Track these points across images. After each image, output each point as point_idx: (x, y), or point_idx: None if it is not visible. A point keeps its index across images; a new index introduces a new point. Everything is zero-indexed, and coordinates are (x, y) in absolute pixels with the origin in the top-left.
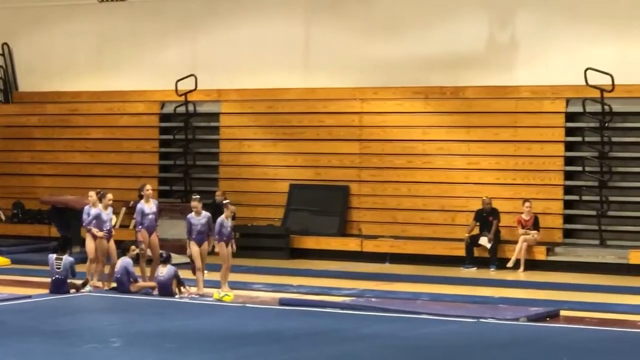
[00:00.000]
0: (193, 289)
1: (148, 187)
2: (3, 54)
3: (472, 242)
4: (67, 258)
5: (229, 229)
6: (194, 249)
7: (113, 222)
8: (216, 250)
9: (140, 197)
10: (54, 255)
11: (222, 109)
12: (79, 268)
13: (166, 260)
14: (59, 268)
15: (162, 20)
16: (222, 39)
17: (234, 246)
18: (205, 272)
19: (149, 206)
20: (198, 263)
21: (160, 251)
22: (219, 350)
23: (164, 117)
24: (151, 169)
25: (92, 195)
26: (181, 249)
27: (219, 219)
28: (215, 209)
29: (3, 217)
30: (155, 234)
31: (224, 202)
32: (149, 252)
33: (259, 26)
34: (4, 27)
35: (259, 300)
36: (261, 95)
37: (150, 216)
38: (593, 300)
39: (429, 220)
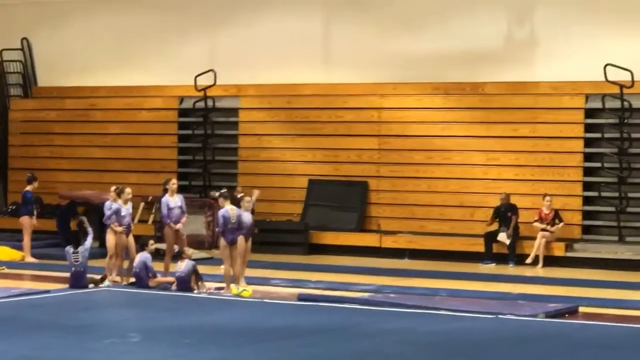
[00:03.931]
0: (211, 284)
1: (174, 181)
2: (22, 49)
3: (491, 238)
4: (82, 248)
5: (248, 223)
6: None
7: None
8: None
9: (165, 191)
10: (71, 249)
11: (241, 104)
12: (99, 263)
13: (181, 255)
14: (77, 261)
15: (181, 15)
16: (242, 34)
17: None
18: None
19: (174, 200)
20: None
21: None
22: (237, 346)
23: (182, 112)
24: (170, 164)
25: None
26: (199, 244)
27: (237, 212)
28: (236, 205)
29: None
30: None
31: (239, 195)
32: (176, 248)
33: (278, 21)
34: (24, 22)
35: (277, 296)
36: (280, 90)
37: (175, 210)
38: (612, 297)
39: (447, 216)
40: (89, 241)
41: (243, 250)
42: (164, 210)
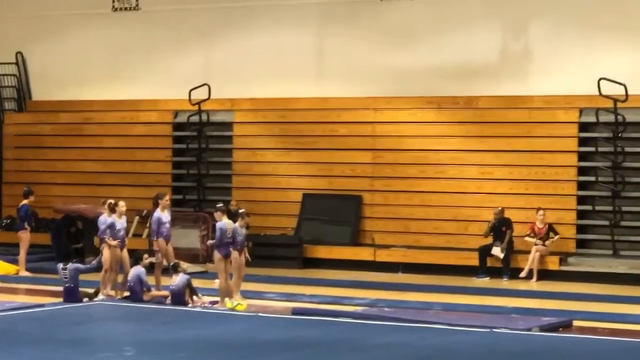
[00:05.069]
0: (206, 299)
1: (167, 197)
2: (17, 63)
3: (485, 251)
4: (71, 266)
5: (242, 237)
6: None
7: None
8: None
9: (155, 205)
10: (61, 265)
11: (236, 118)
12: (94, 277)
13: (175, 269)
14: (66, 277)
15: (175, 29)
16: (236, 48)
17: (247, 255)
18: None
19: (165, 215)
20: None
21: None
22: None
23: (177, 126)
24: (164, 178)
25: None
26: (194, 258)
27: (232, 226)
28: (230, 218)
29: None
30: (170, 243)
31: (240, 211)
32: (165, 262)
33: (273, 36)
34: (18, 36)
35: (271, 310)
36: (274, 104)
37: (167, 225)
38: (606, 311)
39: (441, 230)
40: (85, 267)
41: (238, 265)
42: (154, 226)
